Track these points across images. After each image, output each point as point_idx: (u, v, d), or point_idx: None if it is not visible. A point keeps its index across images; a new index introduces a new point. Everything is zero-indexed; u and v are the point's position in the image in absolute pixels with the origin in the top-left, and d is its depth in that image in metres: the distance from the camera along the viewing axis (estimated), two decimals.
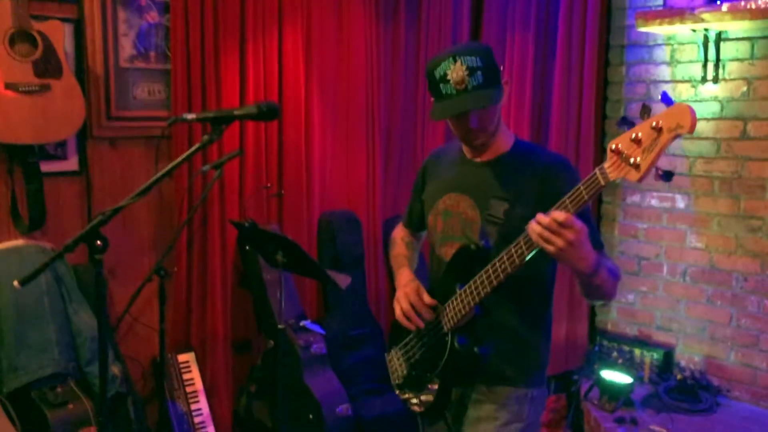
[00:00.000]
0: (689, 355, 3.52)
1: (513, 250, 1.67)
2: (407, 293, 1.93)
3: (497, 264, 1.71)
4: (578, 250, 1.56)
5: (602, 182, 1.49)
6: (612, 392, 3.23)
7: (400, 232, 2.28)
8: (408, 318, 1.91)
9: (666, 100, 1.46)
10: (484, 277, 1.74)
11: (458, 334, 1.84)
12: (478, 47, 1.83)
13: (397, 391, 2.06)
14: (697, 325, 3.50)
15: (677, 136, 1.40)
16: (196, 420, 3.06)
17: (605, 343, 3.65)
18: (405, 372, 2.02)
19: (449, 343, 1.85)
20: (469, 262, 1.82)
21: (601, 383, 3.29)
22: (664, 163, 3.51)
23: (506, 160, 1.92)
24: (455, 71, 1.77)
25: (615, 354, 3.58)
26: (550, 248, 1.55)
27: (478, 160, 1.95)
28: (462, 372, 1.87)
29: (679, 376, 3.36)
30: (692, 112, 1.38)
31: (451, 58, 1.78)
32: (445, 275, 1.91)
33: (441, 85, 1.80)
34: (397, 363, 2.06)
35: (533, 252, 1.63)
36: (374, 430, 3.34)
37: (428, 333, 1.93)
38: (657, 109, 1.44)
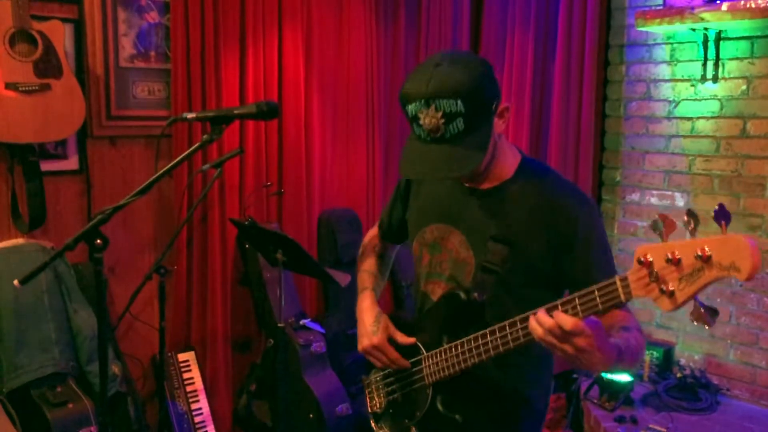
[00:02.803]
0: (689, 354, 3.52)
1: (508, 331, 1.41)
2: (379, 347, 1.69)
3: (488, 338, 1.46)
4: (591, 355, 1.27)
5: (623, 298, 1.23)
6: (612, 391, 3.23)
7: (374, 240, 1.99)
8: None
9: (722, 216, 1.13)
10: (473, 345, 1.50)
11: (441, 393, 1.62)
12: (463, 82, 1.41)
13: (373, 422, 1.85)
14: None
15: (727, 276, 1.06)
16: (196, 419, 3.06)
17: None
18: (384, 407, 1.81)
19: (429, 398, 1.63)
20: (458, 312, 1.59)
21: (600, 382, 3.29)
22: (663, 161, 3.62)
23: (508, 191, 1.59)
24: (428, 117, 1.42)
25: None
26: (557, 353, 1.30)
27: (472, 186, 1.64)
28: None
29: (678, 375, 3.36)
30: (754, 253, 1.04)
31: (423, 102, 1.41)
32: (429, 316, 1.69)
33: (413, 124, 1.47)
34: (375, 393, 1.85)
35: (530, 340, 1.38)
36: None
37: (409, 376, 1.71)
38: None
